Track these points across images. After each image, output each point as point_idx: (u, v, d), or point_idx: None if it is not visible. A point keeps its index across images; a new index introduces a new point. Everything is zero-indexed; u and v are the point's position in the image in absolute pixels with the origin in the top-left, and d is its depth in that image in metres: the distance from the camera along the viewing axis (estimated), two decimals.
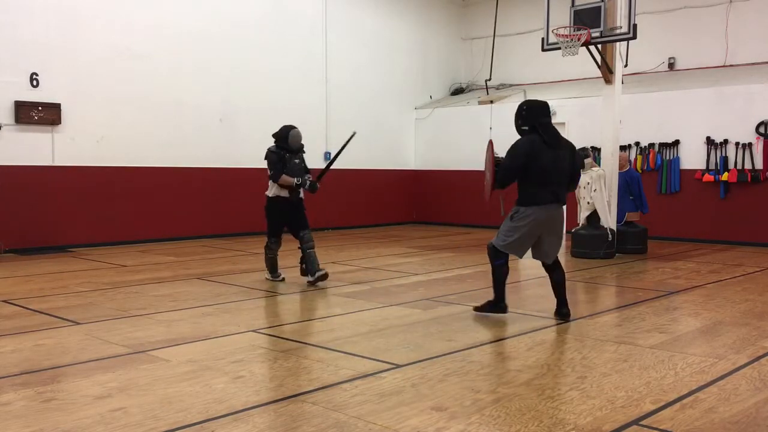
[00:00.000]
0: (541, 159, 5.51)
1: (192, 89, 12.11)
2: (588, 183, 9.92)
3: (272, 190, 7.60)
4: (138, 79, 11.42)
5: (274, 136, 7.73)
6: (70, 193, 10.77)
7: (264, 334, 5.43)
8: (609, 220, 9.99)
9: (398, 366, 4.50)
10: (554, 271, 5.88)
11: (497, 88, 15.81)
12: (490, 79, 15.62)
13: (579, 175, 5.98)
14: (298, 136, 7.64)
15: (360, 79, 14.87)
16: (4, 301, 6.66)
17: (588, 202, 9.95)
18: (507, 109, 14.58)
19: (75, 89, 10.74)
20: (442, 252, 10.86)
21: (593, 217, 9.99)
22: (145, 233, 11.60)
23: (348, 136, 8.05)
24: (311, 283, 7.56)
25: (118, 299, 6.80)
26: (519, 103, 5.96)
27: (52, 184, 10.58)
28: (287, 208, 7.61)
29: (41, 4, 10.41)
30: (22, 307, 6.42)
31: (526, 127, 5.65)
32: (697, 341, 5.23)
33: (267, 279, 7.98)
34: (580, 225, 10.15)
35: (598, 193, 9.88)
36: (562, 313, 5.87)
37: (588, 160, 10.05)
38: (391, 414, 3.61)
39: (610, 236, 9.88)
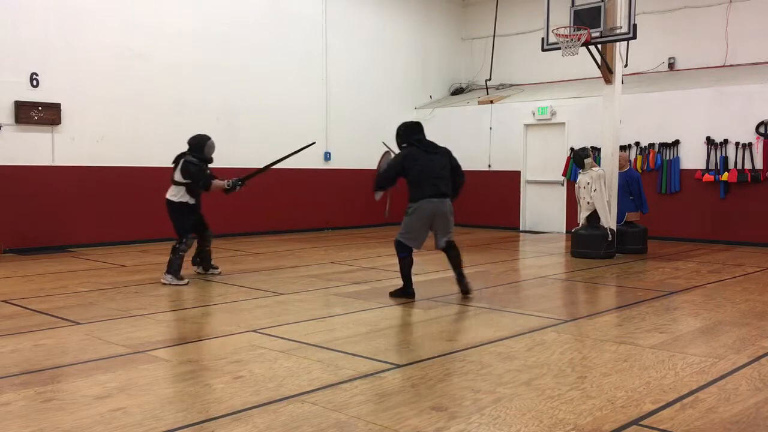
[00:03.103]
0: (419, 163, 6.54)
1: (192, 89, 12.10)
2: (588, 183, 9.92)
3: (179, 196, 7.78)
4: (138, 79, 11.41)
5: (189, 143, 7.99)
6: (70, 193, 10.77)
7: (264, 334, 5.43)
8: (609, 220, 9.98)
9: (398, 366, 4.50)
10: (449, 252, 6.78)
11: (497, 88, 15.80)
12: (490, 79, 15.68)
13: (461, 170, 6.79)
14: (213, 148, 8.04)
15: (360, 79, 14.87)
16: (4, 301, 6.66)
17: (588, 202, 9.94)
18: (507, 109, 14.59)
19: (75, 89, 10.74)
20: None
21: (593, 217, 9.99)
22: (145, 233, 11.59)
23: (305, 144, 8.50)
24: (203, 273, 8.24)
25: (118, 299, 6.80)
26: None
27: (52, 184, 10.58)
28: (193, 211, 7.96)
29: (41, 4, 10.40)
30: (22, 307, 6.42)
31: (405, 144, 6.74)
32: (697, 341, 5.23)
33: (164, 283, 7.55)
34: (580, 225, 10.14)
35: (598, 193, 9.87)
36: (462, 284, 6.74)
37: (588, 160, 10.04)
38: (391, 414, 3.61)
39: (610, 236, 9.87)
